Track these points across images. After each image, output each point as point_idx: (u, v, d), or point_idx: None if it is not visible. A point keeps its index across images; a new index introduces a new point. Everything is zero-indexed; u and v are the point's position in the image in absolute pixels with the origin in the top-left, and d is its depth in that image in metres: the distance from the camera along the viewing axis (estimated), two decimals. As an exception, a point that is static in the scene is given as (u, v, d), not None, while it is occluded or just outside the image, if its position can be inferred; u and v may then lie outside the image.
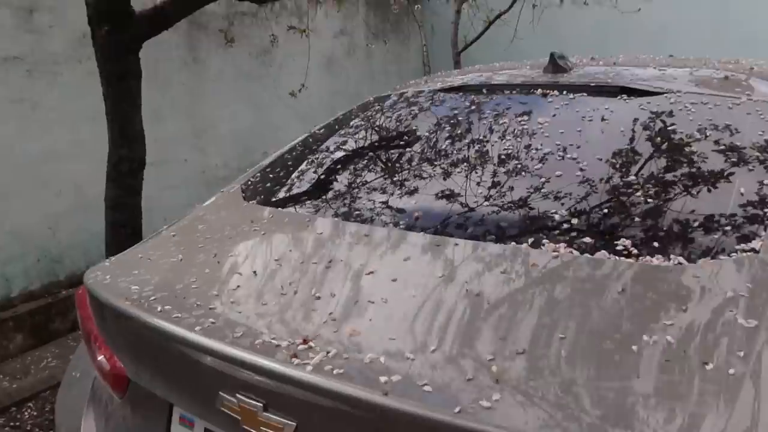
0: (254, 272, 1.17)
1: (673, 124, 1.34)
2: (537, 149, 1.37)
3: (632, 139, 1.34)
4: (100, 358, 1.29)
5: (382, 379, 0.82)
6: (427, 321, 0.95)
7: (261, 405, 0.92)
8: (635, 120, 1.40)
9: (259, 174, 1.71)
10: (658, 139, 1.32)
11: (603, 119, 1.43)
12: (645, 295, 0.93)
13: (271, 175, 1.67)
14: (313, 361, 0.87)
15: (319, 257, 1.17)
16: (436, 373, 0.83)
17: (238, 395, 0.95)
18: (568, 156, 1.33)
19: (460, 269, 1.06)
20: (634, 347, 0.83)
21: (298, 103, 4.80)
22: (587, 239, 1.08)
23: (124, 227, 2.55)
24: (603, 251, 1.04)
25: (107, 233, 2.57)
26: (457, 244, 1.13)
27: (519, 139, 1.43)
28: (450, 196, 1.31)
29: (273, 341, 0.93)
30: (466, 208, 1.25)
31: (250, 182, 1.66)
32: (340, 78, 5.59)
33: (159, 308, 1.08)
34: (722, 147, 1.25)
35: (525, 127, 1.48)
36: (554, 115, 1.50)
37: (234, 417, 0.96)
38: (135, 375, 1.18)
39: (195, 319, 1.03)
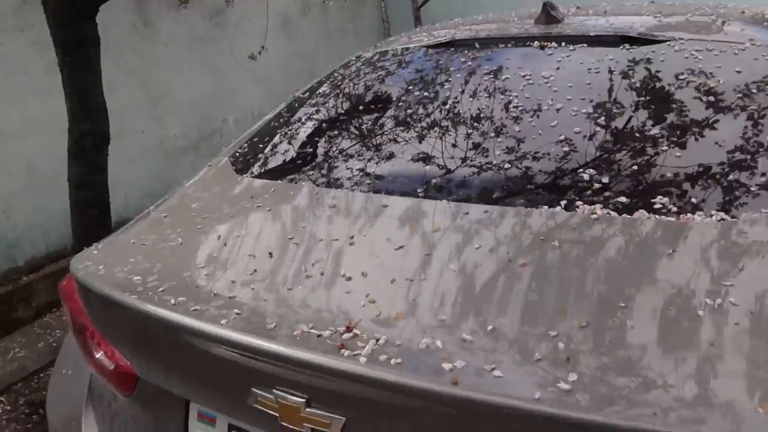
0: (269, 254, 1.07)
1: (686, 73, 1.30)
2: (548, 105, 1.31)
3: (647, 90, 1.29)
4: (99, 355, 1.19)
5: (446, 366, 0.75)
6: (476, 297, 0.88)
7: (303, 400, 0.85)
8: (646, 70, 1.35)
9: (247, 145, 1.59)
10: (673, 88, 1.28)
11: (611, 70, 1.38)
12: (697, 255, 0.89)
13: (260, 146, 1.56)
14: (365, 351, 0.79)
15: (338, 233, 1.09)
16: (502, 355, 0.77)
17: (275, 391, 0.87)
18: (584, 111, 1.27)
19: (496, 238, 0.99)
20: (701, 312, 0.79)
21: (256, 66, 4.59)
22: (622, 199, 1.03)
23: (90, 207, 2.38)
24: (641, 211, 0.99)
25: (73, 214, 2.40)
26: (486, 212, 1.06)
27: (527, 96, 1.36)
28: (466, 159, 1.23)
29: (313, 331, 0.85)
30: (488, 172, 1.18)
31: (239, 154, 1.55)
32: (296, 38, 5.37)
33: (172, 301, 0.98)
34: (742, 94, 1.21)
35: (530, 82, 1.41)
36: (558, 69, 1.44)
37: (269, 413, 0.89)
38: (146, 373, 1.08)
39: (217, 310, 0.94)
